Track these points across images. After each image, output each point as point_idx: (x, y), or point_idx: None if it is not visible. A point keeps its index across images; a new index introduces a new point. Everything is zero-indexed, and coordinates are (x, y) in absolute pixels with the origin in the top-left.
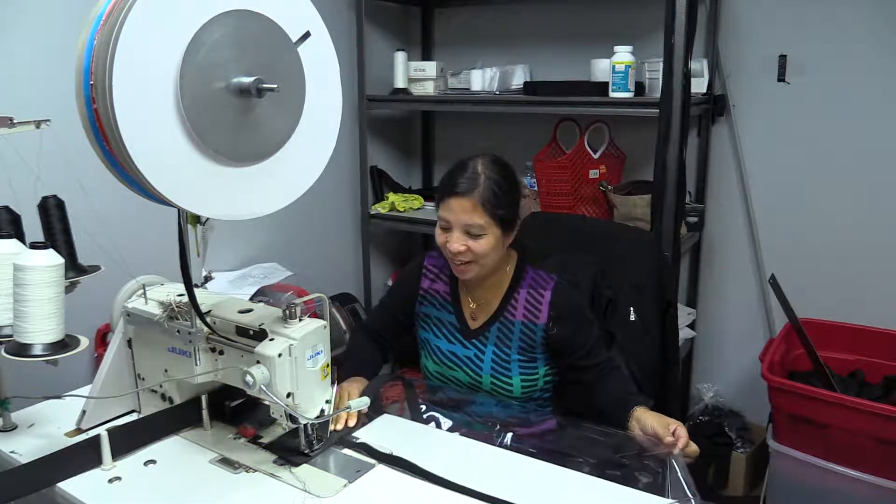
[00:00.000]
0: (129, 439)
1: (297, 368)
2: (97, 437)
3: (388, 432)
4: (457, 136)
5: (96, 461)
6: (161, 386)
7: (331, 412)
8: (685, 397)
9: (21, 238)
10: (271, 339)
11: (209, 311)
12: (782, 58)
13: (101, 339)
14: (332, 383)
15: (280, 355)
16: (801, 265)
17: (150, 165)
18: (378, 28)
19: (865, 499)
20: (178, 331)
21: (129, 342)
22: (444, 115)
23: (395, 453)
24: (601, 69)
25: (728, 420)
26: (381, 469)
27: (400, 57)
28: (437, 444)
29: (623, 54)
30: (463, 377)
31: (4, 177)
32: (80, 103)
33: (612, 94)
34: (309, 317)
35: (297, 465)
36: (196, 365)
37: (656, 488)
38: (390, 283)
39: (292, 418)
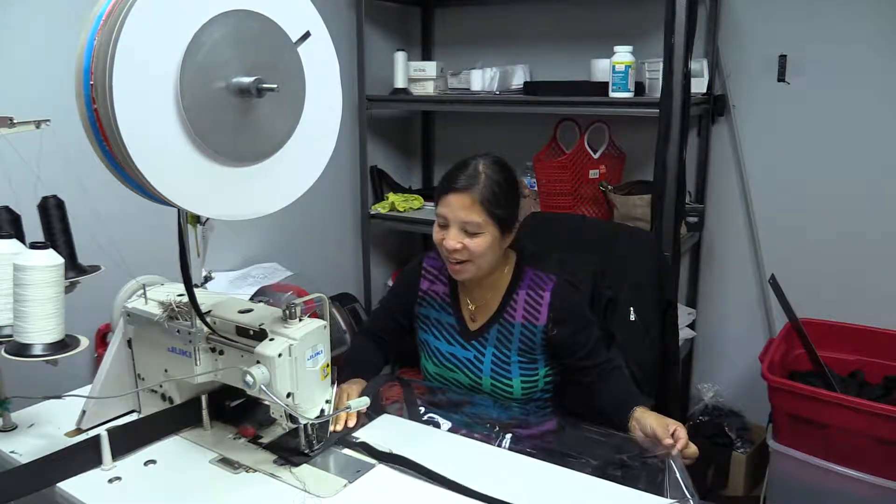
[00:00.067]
0: (129, 439)
1: (297, 368)
2: (97, 437)
3: (388, 432)
4: (457, 136)
5: (96, 461)
6: (161, 386)
7: (331, 412)
8: (685, 397)
9: (21, 238)
10: (271, 339)
11: (209, 311)
12: (782, 58)
13: (101, 339)
14: (332, 383)
15: (280, 355)
16: (801, 265)
17: (150, 165)
18: (378, 28)
19: (865, 499)
20: (178, 331)
21: (129, 342)
22: (444, 115)
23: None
24: (601, 69)
25: (728, 420)
26: (381, 469)
27: (400, 57)
28: (437, 444)
29: (623, 54)
30: (463, 379)
31: (4, 177)
32: (80, 103)
33: (612, 94)
34: (309, 317)
35: (297, 465)
36: (196, 365)
37: (656, 488)
38: (390, 283)
39: (292, 418)
